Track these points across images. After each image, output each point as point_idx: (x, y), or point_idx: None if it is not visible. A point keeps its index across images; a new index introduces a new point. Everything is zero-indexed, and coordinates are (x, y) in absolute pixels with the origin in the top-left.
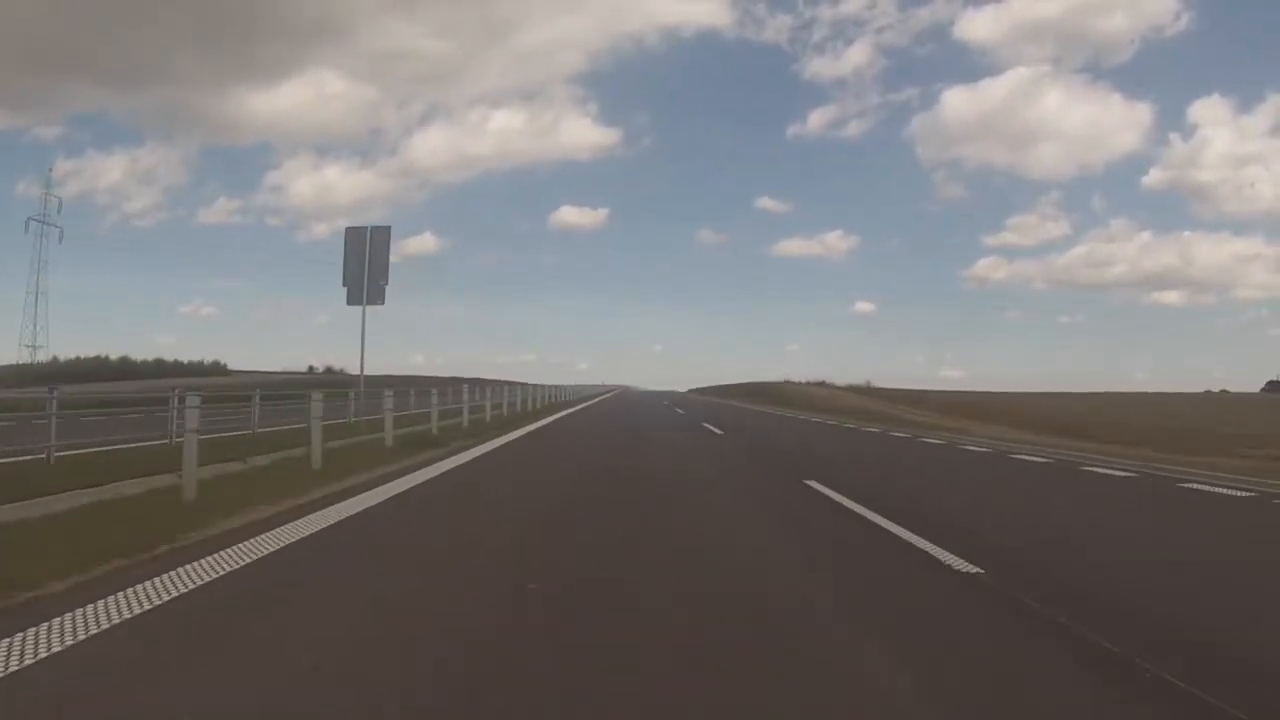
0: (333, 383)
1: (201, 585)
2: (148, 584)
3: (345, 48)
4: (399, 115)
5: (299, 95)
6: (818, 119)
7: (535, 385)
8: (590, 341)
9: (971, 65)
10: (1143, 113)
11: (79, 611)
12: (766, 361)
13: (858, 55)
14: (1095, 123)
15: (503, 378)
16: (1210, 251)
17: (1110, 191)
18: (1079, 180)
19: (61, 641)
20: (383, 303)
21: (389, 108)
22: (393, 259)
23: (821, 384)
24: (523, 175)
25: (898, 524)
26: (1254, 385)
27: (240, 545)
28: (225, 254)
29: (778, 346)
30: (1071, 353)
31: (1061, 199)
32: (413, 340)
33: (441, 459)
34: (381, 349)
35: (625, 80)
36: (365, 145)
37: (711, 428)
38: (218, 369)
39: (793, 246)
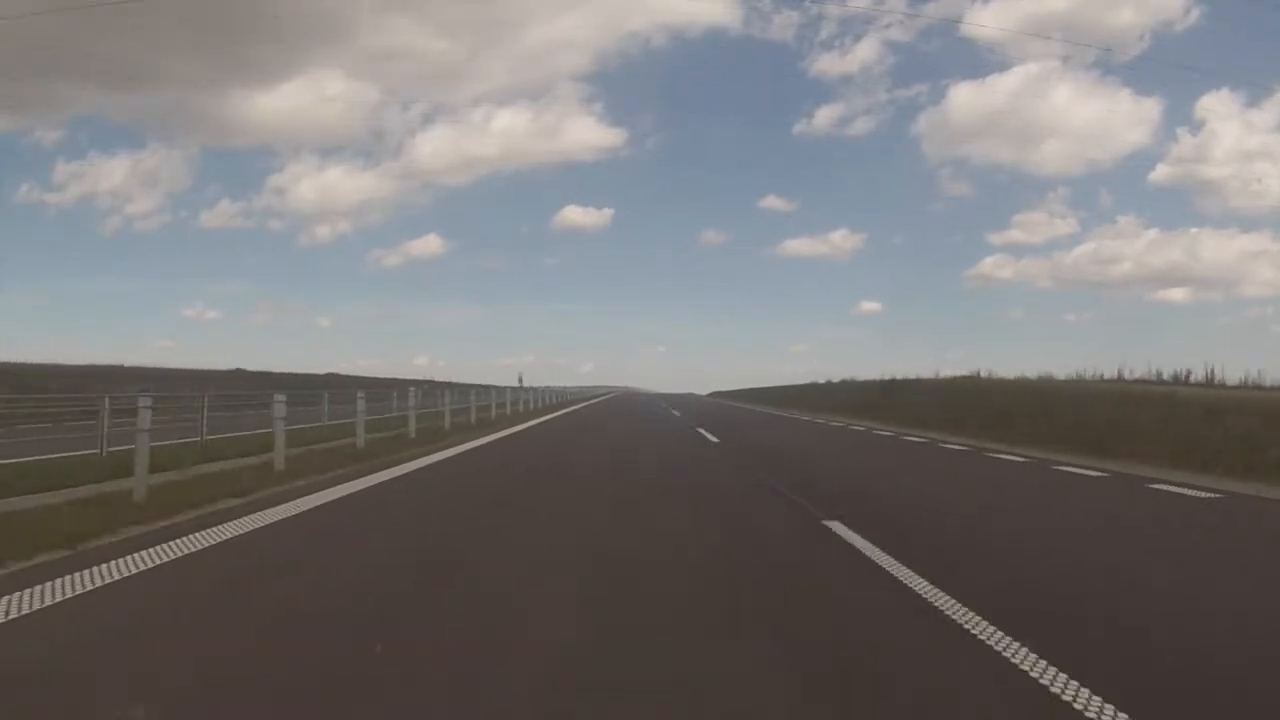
0: None
1: None
2: None
3: (346, 47)
4: (402, 116)
5: (300, 96)
6: (824, 116)
7: (502, 388)
8: (593, 343)
9: (980, 61)
10: (1151, 108)
11: None
12: (771, 363)
13: (865, 51)
14: (1104, 118)
15: (504, 380)
16: (1217, 248)
17: (1118, 188)
18: (1087, 177)
19: None
20: None
21: (392, 108)
22: (396, 261)
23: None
24: (528, 175)
25: None
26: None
27: None
28: (227, 257)
29: (783, 347)
30: (1075, 352)
31: (1069, 196)
32: (416, 342)
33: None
34: (385, 350)
35: (631, 79)
36: (368, 146)
37: None
38: None
39: (798, 246)
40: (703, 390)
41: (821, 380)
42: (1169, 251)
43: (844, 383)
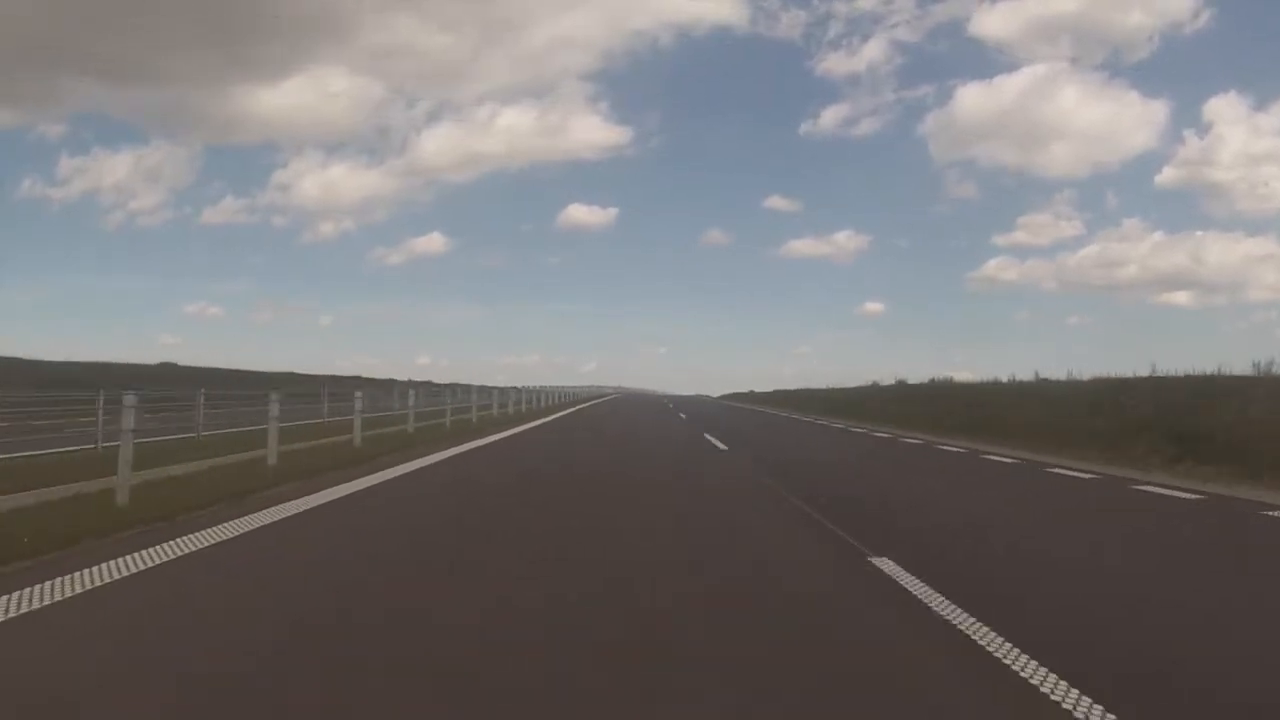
0: None
1: None
2: None
3: (349, 44)
4: (406, 113)
5: (303, 93)
6: (830, 117)
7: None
8: (595, 343)
9: (988, 62)
10: (1159, 111)
11: None
12: (775, 364)
13: (873, 51)
14: (1111, 121)
15: (506, 380)
16: (1223, 252)
17: (1124, 191)
18: (1093, 179)
19: None
20: None
21: (396, 105)
22: (399, 259)
23: None
24: (531, 174)
25: None
26: None
27: None
28: (230, 254)
29: (785, 348)
30: (1079, 355)
31: (1075, 198)
32: (418, 341)
33: None
34: (386, 350)
35: (637, 78)
36: (372, 143)
37: None
38: None
39: (802, 246)
40: (713, 392)
41: (888, 381)
42: (1174, 254)
43: (934, 383)
